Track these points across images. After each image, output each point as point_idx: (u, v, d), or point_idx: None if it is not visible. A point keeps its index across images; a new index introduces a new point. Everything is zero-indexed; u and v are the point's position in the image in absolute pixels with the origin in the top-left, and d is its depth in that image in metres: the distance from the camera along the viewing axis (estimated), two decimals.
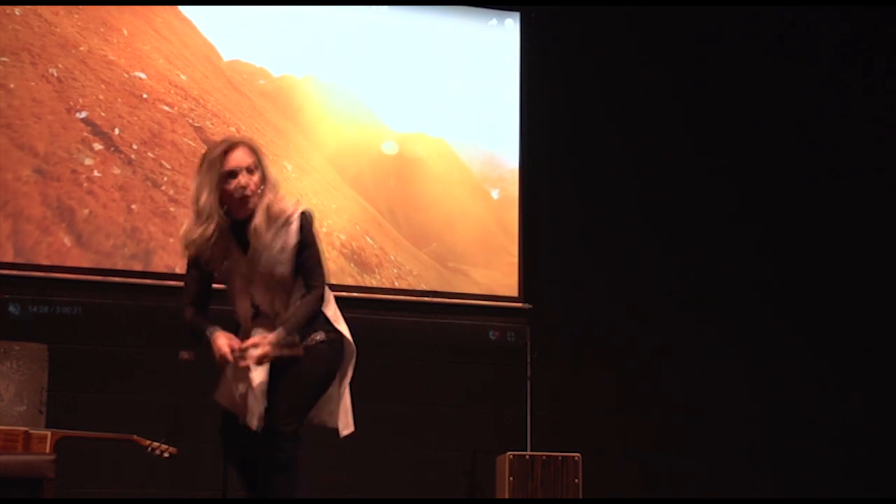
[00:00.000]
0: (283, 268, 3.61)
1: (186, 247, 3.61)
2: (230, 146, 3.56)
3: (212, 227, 3.52)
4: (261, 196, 3.56)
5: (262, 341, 3.52)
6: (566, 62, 6.86)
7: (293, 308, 3.63)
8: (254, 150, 3.60)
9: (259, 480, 3.60)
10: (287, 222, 3.61)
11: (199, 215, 3.53)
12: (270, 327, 3.61)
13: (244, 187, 3.53)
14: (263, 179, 3.58)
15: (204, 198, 3.52)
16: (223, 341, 3.56)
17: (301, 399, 3.62)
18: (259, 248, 3.57)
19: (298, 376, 3.60)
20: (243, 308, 3.70)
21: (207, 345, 3.59)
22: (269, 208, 3.56)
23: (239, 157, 3.54)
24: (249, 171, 3.55)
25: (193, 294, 3.69)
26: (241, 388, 3.60)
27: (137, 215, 5.94)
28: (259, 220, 3.54)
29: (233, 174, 3.53)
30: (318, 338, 3.68)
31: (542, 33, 6.81)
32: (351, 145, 6.49)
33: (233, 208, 3.57)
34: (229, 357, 3.53)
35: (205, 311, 3.72)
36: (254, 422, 3.54)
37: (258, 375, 3.56)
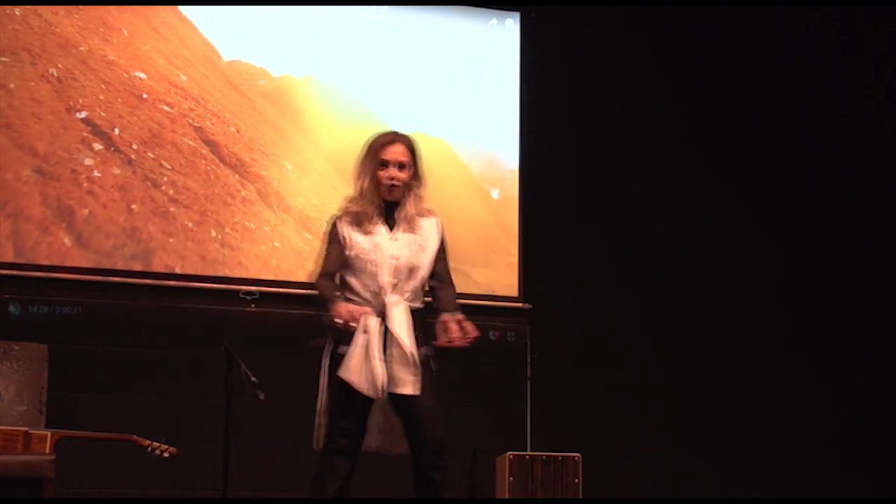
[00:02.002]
0: (422, 256, 3.96)
1: (342, 217, 3.97)
2: (392, 140, 3.98)
3: (371, 207, 3.93)
4: (410, 189, 3.97)
5: (466, 325, 3.90)
6: (566, 62, 6.86)
7: (447, 298, 4.03)
8: (411, 149, 3.99)
9: (427, 484, 3.87)
10: (431, 219, 4.02)
11: (360, 195, 3.96)
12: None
13: (392, 178, 3.93)
14: (416, 175, 3.99)
15: (364, 181, 3.96)
16: (344, 307, 3.80)
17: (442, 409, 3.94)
18: (406, 232, 3.95)
19: (431, 390, 3.90)
20: (374, 283, 3.90)
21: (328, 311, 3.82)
22: (419, 202, 3.99)
23: (396, 151, 3.95)
24: (401, 166, 3.95)
25: (330, 267, 3.95)
26: (379, 363, 3.79)
27: (137, 215, 5.94)
28: (411, 210, 3.96)
29: (385, 164, 3.94)
30: (427, 352, 3.97)
31: (542, 33, 6.81)
32: (351, 145, 6.46)
33: (380, 192, 3.95)
34: (351, 319, 3.75)
35: (335, 283, 4.00)
36: (409, 388, 3.81)
37: (406, 345, 3.82)
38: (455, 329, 3.88)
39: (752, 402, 6.72)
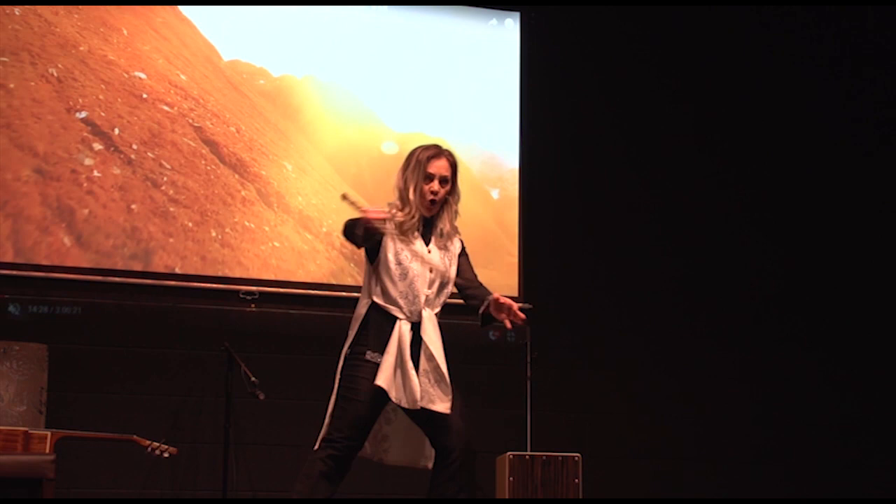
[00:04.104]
0: (451, 271, 4.02)
1: (384, 225, 3.94)
2: (438, 153, 3.99)
3: (416, 217, 3.95)
4: (448, 204, 4.02)
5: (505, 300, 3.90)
6: (566, 62, 6.86)
7: (483, 287, 4.06)
8: (453, 165, 4.01)
9: (453, 486, 3.88)
10: (456, 236, 4.09)
11: (407, 205, 3.97)
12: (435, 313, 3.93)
13: (434, 193, 3.96)
14: (453, 191, 4.03)
15: (411, 191, 3.96)
16: (371, 211, 3.83)
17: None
18: (439, 246, 4.00)
19: (461, 402, 3.94)
20: (412, 292, 3.90)
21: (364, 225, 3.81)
22: (455, 215, 4.05)
23: (440, 166, 3.98)
24: (444, 181, 3.98)
25: None
26: (414, 374, 3.81)
27: (137, 215, 5.94)
28: (448, 226, 4.02)
29: (430, 178, 3.96)
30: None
31: (542, 33, 6.81)
32: (351, 145, 6.49)
33: (418, 206, 3.98)
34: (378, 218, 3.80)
35: None
36: (441, 406, 3.83)
37: (441, 361, 3.84)
38: (510, 303, 3.88)
39: (752, 401, 6.72)
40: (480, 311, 3.97)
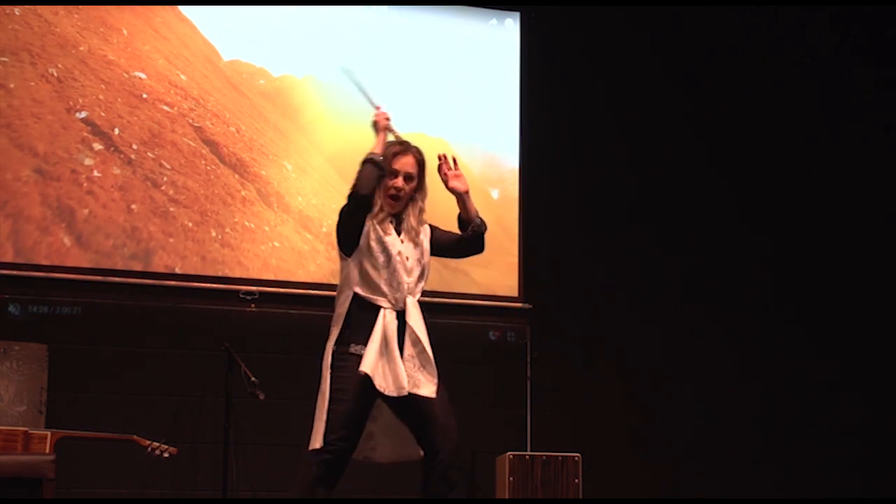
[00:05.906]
0: (425, 258, 4.02)
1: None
2: (403, 150, 4.01)
3: (383, 212, 3.96)
4: (414, 201, 4.01)
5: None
6: (566, 62, 6.86)
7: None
8: (420, 162, 4.02)
9: (445, 483, 3.86)
10: (426, 226, 4.06)
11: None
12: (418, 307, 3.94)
13: (398, 189, 3.96)
14: (420, 188, 4.02)
15: None
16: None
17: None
18: (409, 240, 3.99)
19: (446, 399, 3.92)
20: (395, 280, 3.92)
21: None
22: (420, 212, 4.03)
23: (406, 162, 3.98)
24: (408, 177, 3.98)
25: None
26: (400, 362, 3.82)
27: (137, 215, 5.94)
28: (413, 221, 4.00)
29: (394, 174, 3.96)
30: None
31: (542, 33, 6.81)
32: (351, 145, 6.47)
33: (383, 201, 3.98)
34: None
35: None
36: (427, 390, 3.82)
37: (427, 345, 3.86)
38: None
39: (751, 401, 6.72)
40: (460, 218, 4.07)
